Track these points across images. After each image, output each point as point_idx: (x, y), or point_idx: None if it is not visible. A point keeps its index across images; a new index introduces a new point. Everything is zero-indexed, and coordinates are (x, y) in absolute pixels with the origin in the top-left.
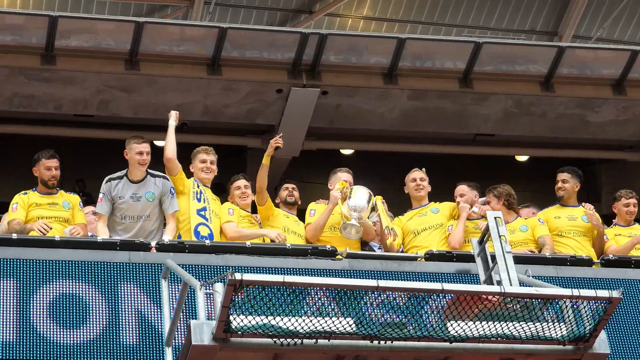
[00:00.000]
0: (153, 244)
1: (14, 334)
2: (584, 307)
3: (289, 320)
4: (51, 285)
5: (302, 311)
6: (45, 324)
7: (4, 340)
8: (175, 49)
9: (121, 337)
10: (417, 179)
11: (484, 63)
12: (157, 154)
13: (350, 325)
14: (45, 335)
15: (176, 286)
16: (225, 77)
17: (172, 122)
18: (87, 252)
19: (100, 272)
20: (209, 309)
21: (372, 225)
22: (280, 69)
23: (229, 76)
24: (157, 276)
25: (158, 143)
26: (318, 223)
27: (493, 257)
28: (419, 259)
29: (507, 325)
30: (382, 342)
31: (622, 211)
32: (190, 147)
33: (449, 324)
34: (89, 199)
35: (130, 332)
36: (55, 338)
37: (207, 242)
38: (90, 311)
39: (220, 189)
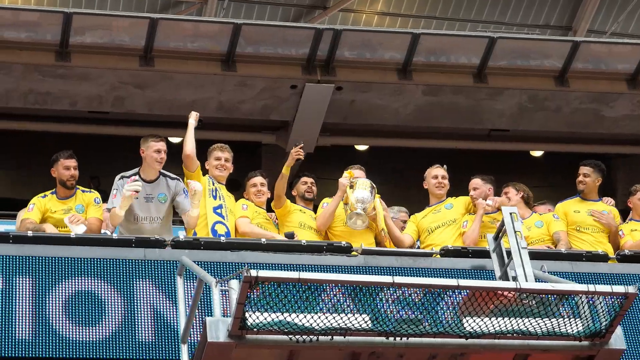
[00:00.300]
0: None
1: (30, 332)
2: (600, 303)
3: (305, 317)
4: (67, 283)
5: (318, 308)
6: (60, 321)
7: (20, 337)
8: (189, 45)
9: (137, 334)
10: (439, 177)
11: (499, 58)
12: (172, 151)
13: (365, 322)
14: (60, 332)
15: (192, 283)
16: (239, 73)
17: (192, 121)
18: (103, 249)
19: (116, 269)
20: (225, 305)
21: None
22: (295, 64)
23: (244, 72)
24: (173, 273)
25: (173, 140)
26: (327, 211)
27: (508, 253)
28: (434, 255)
29: (522, 321)
30: (398, 339)
31: (637, 205)
32: (205, 144)
33: (464, 320)
34: (104, 196)
35: (146, 329)
36: (70, 335)
37: (223, 239)
38: (106, 308)
39: (235, 185)
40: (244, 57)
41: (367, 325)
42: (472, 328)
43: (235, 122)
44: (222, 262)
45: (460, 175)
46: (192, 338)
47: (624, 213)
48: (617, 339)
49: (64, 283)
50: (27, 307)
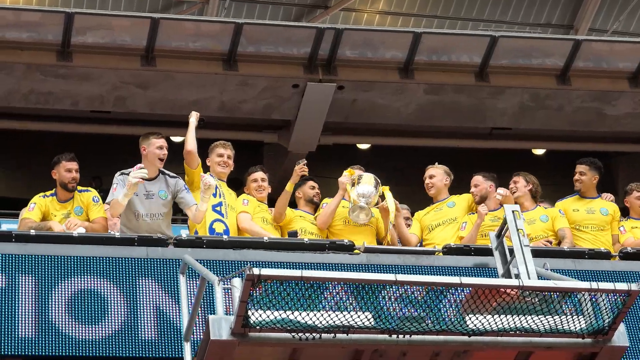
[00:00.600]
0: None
1: (33, 330)
2: (603, 300)
3: (307, 314)
4: (69, 281)
5: (320, 306)
6: (63, 320)
7: (23, 335)
8: (191, 45)
9: (139, 332)
10: (426, 178)
11: (500, 57)
12: (174, 150)
13: (368, 320)
14: (63, 330)
15: (194, 281)
16: (241, 72)
17: (193, 120)
18: (105, 247)
19: (118, 267)
20: (227, 304)
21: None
22: (296, 64)
23: (245, 72)
24: (175, 271)
25: (174, 139)
26: (327, 209)
27: (511, 251)
28: (436, 253)
29: (525, 318)
30: (401, 336)
31: (634, 204)
32: (207, 143)
33: (467, 318)
34: (106, 196)
35: (149, 327)
36: (73, 333)
37: (225, 237)
38: (109, 307)
39: (237, 184)
40: (246, 56)
41: (370, 323)
42: (475, 325)
43: (237, 121)
44: (225, 260)
45: (462, 174)
46: (195, 336)
47: (626, 212)
48: (620, 336)
49: (66, 281)
50: (30, 305)
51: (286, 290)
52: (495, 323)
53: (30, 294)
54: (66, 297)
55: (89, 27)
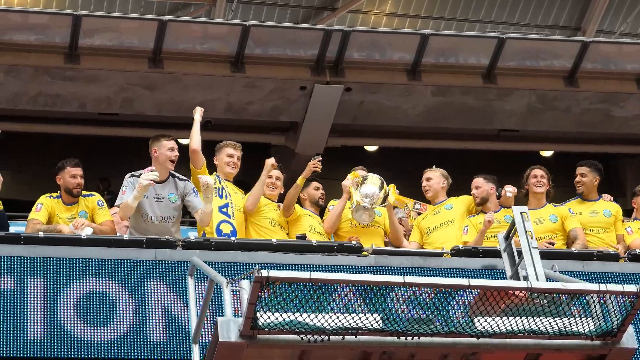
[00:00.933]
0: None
1: (42, 332)
2: (612, 302)
3: (316, 316)
4: (78, 283)
5: (329, 308)
6: (72, 322)
7: (32, 337)
8: (198, 47)
9: (148, 334)
10: (424, 180)
11: (508, 58)
12: (181, 151)
13: (377, 322)
14: (72, 332)
15: (202, 283)
16: (248, 74)
17: (197, 117)
18: (114, 250)
19: (127, 269)
20: (236, 305)
21: (401, 230)
22: (304, 66)
23: (252, 74)
24: (184, 273)
25: (182, 141)
26: (333, 213)
27: (519, 253)
28: (445, 255)
29: (534, 320)
30: (409, 338)
31: None
32: (214, 145)
33: (476, 320)
34: (114, 197)
35: (157, 329)
36: (82, 335)
37: (233, 239)
38: (117, 309)
39: (244, 187)
40: (253, 58)
41: (379, 325)
42: (484, 327)
43: (244, 123)
44: (233, 262)
45: (469, 176)
46: (204, 338)
47: (630, 213)
48: (629, 338)
49: (75, 284)
50: (39, 307)
51: (295, 292)
52: (504, 325)
53: (39, 297)
54: (75, 300)
55: (96, 29)
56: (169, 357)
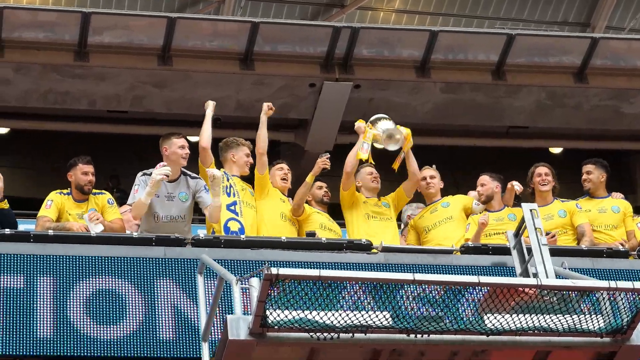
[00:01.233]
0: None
1: (51, 330)
2: (621, 299)
3: (326, 314)
4: (87, 281)
5: (339, 305)
6: (82, 320)
7: (42, 336)
8: (207, 44)
9: (158, 332)
10: (427, 177)
11: (517, 55)
12: (191, 149)
13: (386, 319)
14: (81, 330)
15: (212, 281)
16: (257, 71)
17: (209, 111)
18: (123, 247)
19: (136, 267)
20: (245, 303)
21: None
22: (313, 63)
23: (262, 71)
24: (193, 271)
25: (192, 138)
26: (351, 155)
27: (529, 250)
28: (454, 252)
29: (543, 317)
30: (419, 336)
31: None
32: None
33: (485, 317)
34: (123, 195)
35: (167, 327)
36: (91, 333)
37: (242, 236)
38: (127, 306)
39: (250, 182)
40: (262, 55)
41: (388, 322)
42: (493, 325)
43: (253, 120)
44: (242, 260)
45: (478, 172)
46: (213, 336)
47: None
48: (639, 336)
49: (84, 281)
50: (48, 305)
51: (304, 289)
52: (514, 322)
53: (48, 294)
54: (84, 297)
55: (105, 26)
56: (178, 355)
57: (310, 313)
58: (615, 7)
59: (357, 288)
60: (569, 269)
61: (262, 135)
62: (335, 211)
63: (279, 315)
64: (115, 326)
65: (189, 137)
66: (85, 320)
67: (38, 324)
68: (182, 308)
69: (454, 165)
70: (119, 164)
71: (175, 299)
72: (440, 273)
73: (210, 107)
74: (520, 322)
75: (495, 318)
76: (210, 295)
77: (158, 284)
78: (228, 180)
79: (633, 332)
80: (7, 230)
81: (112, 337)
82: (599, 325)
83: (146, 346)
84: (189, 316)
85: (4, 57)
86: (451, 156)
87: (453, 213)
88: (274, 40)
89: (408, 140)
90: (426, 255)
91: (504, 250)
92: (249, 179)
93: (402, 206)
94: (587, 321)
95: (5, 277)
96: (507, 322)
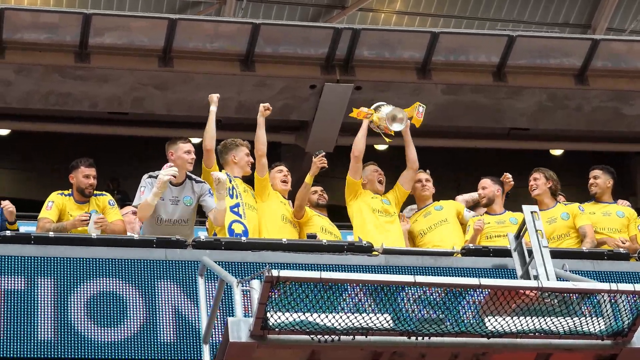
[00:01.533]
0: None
1: (52, 332)
2: (622, 302)
3: (326, 316)
4: (88, 283)
5: (339, 307)
6: (82, 322)
7: (42, 338)
8: (208, 46)
9: (158, 334)
10: (423, 180)
11: (518, 56)
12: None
13: (387, 322)
14: (82, 333)
15: (213, 283)
16: (258, 73)
17: (213, 107)
18: (124, 249)
19: (137, 269)
20: (246, 306)
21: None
22: (314, 64)
23: (263, 72)
24: (194, 273)
25: (193, 140)
26: (358, 138)
27: (530, 252)
28: (455, 254)
29: (544, 320)
30: (420, 338)
31: None
32: None
33: (486, 320)
34: (124, 197)
35: (168, 329)
36: (92, 336)
37: (243, 239)
38: (128, 309)
39: (250, 183)
40: (263, 57)
41: (389, 324)
42: (494, 327)
43: (254, 122)
44: (243, 262)
45: (479, 174)
46: (214, 338)
47: None
48: None
49: (85, 284)
50: (49, 307)
51: (305, 292)
52: (514, 325)
53: (49, 296)
54: (85, 300)
55: (106, 28)
56: (179, 357)
57: (311, 315)
58: (616, 9)
59: (358, 290)
60: (569, 271)
61: (261, 138)
62: (335, 214)
63: (279, 318)
64: (116, 328)
65: (190, 139)
66: (86, 322)
67: (38, 326)
68: (183, 310)
69: (455, 167)
70: (120, 165)
71: (176, 301)
72: (441, 275)
73: (214, 103)
74: (521, 325)
75: (496, 320)
76: (211, 297)
77: (159, 286)
78: (231, 182)
79: (634, 335)
80: (8, 232)
81: (113, 340)
82: (599, 327)
83: (147, 348)
84: (190, 318)
85: (5, 59)
86: (452, 158)
87: (448, 216)
88: (275, 41)
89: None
90: (427, 257)
91: (504, 253)
92: (249, 180)
93: (402, 201)
94: (588, 323)
95: (6, 279)
96: (508, 325)
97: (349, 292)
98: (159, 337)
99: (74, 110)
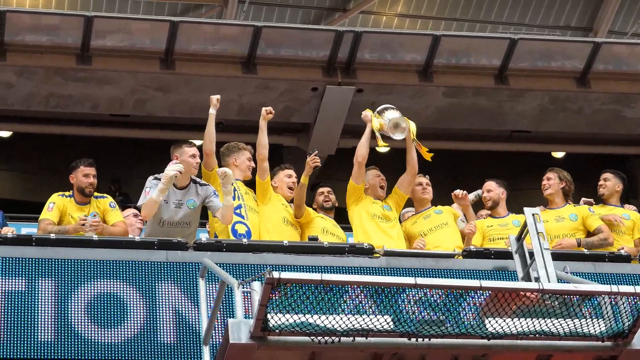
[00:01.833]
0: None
1: (53, 334)
2: (623, 303)
3: (327, 318)
4: (89, 285)
5: (340, 309)
6: (83, 324)
7: (43, 340)
8: (210, 48)
9: (159, 336)
10: (424, 184)
11: (520, 59)
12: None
13: (387, 323)
14: (83, 334)
15: (214, 285)
16: (260, 75)
17: (213, 110)
18: (125, 251)
19: (138, 271)
20: (247, 307)
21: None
22: (315, 67)
23: (264, 75)
24: (195, 275)
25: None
26: (361, 143)
27: (531, 254)
28: (456, 256)
29: (545, 321)
30: (420, 340)
31: None
32: None
33: (487, 321)
34: (125, 199)
35: (168, 331)
36: (93, 337)
37: (244, 240)
38: (128, 310)
39: (251, 185)
40: (265, 59)
41: (389, 326)
42: (495, 329)
43: (256, 124)
44: (244, 264)
45: (482, 177)
46: (214, 340)
47: None
48: None
49: (86, 285)
50: (50, 309)
51: (306, 293)
52: (515, 326)
53: (50, 298)
54: (86, 301)
55: (108, 30)
56: (179, 358)
57: (312, 317)
58: (618, 12)
59: (359, 292)
60: (570, 273)
61: (263, 142)
62: (336, 216)
63: (280, 319)
64: (116, 330)
65: (192, 141)
66: (86, 324)
67: (39, 328)
68: (184, 312)
69: (456, 169)
70: (121, 167)
71: (177, 303)
72: (442, 277)
73: (213, 105)
74: (522, 326)
75: (496, 322)
76: (211, 298)
77: (160, 287)
78: (232, 184)
79: (634, 336)
80: (10, 234)
81: (113, 341)
82: (600, 329)
83: (147, 350)
84: (191, 320)
85: (7, 61)
86: (454, 160)
87: (448, 220)
88: (276, 44)
89: (413, 135)
90: (428, 259)
91: (505, 255)
92: (250, 183)
93: (402, 205)
94: (588, 325)
95: (7, 280)
96: (509, 326)
97: (350, 294)
98: (159, 339)
99: (76, 113)
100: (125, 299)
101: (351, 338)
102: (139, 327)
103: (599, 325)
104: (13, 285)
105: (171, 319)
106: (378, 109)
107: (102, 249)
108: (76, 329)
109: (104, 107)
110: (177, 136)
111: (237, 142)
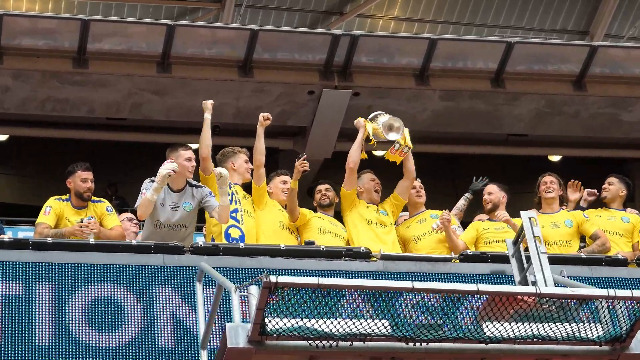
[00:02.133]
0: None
1: (50, 338)
2: (620, 308)
3: (324, 322)
4: (86, 289)
5: (337, 313)
6: (80, 328)
7: (40, 344)
8: (206, 52)
9: (156, 340)
10: (417, 187)
11: (516, 63)
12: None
13: (385, 327)
14: (80, 338)
15: (211, 289)
16: (256, 79)
17: (207, 115)
18: (122, 255)
19: (135, 275)
20: (244, 311)
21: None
22: (312, 70)
23: (261, 78)
24: (192, 279)
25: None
26: (352, 149)
27: (528, 258)
28: (453, 260)
29: (542, 326)
30: (418, 344)
31: None
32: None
33: (484, 325)
34: (122, 203)
35: (166, 335)
36: (90, 341)
37: (241, 244)
38: (126, 314)
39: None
40: (261, 63)
41: (387, 330)
42: (492, 333)
43: (252, 128)
44: (241, 267)
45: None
46: (212, 344)
47: None
48: (638, 344)
49: (83, 289)
50: (47, 313)
51: (303, 297)
52: (512, 330)
53: (47, 302)
54: (83, 305)
55: (104, 34)
56: None
57: (309, 321)
58: (614, 15)
59: (356, 296)
60: (568, 277)
61: (260, 148)
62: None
63: (277, 323)
64: (114, 334)
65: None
66: (84, 328)
67: (36, 332)
68: (181, 316)
69: (453, 172)
70: (118, 171)
71: (174, 307)
72: (439, 281)
73: (208, 110)
74: (519, 330)
75: (494, 326)
76: (209, 303)
77: (157, 291)
78: (230, 187)
79: (632, 341)
80: (7, 238)
81: (110, 345)
82: (597, 333)
83: (145, 354)
84: (188, 324)
85: (3, 64)
86: (450, 164)
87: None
88: (273, 47)
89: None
90: (425, 263)
91: (503, 258)
92: (248, 187)
93: (400, 211)
94: (586, 329)
95: (4, 284)
96: (506, 330)
97: (347, 298)
98: (157, 343)
99: (72, 116)
100: (122, 303)
101: (349, 342)
102: (136, 331)
103: (597, 330)
104: (10, 289)
105: (168, 323)
106: (370, 116)
107: (99, 252)
108: (73, 332)
109: (100, 110)
110: (173, 140)
111: (231, 146)
